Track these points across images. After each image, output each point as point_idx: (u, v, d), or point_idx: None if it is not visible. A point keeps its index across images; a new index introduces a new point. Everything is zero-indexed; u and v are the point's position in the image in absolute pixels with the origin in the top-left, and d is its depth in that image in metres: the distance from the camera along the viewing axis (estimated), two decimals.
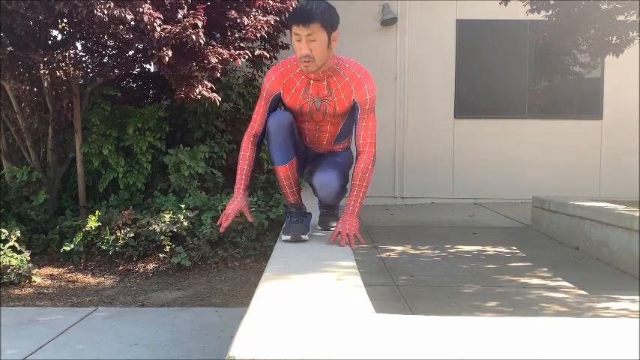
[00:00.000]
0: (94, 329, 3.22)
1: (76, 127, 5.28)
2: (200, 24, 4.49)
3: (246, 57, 5.06)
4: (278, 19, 5.27)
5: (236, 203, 2.60)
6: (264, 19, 5.01)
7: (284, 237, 2.62)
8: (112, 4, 4.16)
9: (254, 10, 5.00)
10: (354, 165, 2.61)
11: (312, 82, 2.53)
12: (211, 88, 5.09)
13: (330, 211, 2.93)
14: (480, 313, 3.01)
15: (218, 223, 2.59)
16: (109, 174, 5.36)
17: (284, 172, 2.60)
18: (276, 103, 2.64)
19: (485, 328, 1.43)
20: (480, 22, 7.35)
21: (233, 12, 4.86)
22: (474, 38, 7.42)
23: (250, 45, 5.24)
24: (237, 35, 5.04)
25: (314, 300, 1.62)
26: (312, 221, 2.86)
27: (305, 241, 2.57)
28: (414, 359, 1.19)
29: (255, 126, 2.65)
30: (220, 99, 5.22)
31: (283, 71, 2.57)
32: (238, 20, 4.85)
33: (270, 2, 5.08)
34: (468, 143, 7.46)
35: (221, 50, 4.82)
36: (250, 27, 4.92)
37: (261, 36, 5.11)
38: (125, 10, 4.20)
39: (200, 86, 4.91)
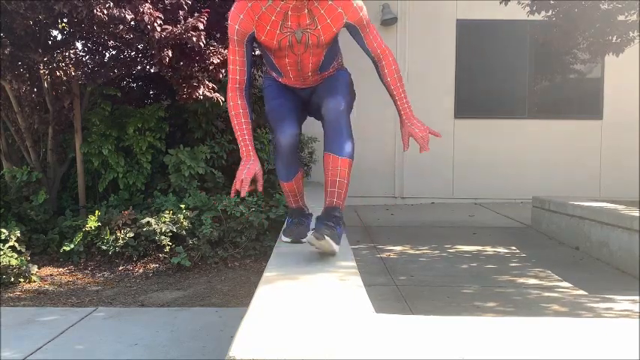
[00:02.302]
0: (93, 329, 3.22)
1: (76, 127, 5.28)
2: (202, 26, 4.49)
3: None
4: None
5: (250, 167, 2.27)
6: None
7: (284, 238, 2.55)
8: (112, 3, 4.16)
9: None
10: (380, 76, 2.40)
11: (289, 13, 2.22)
12: (213, 88, 5.09)
13: (330, 215, 2.32)
14: (480, 313, 3.01)
15: (233, 192, 2.25)
16: (109, 174, 5.36)
17: (289, 186, 2.51)
18: (251, 45, 2.34)
19: (485, 328, 1.43)
20: (480, 22, 7.35)
21: None
22: (474, 38, 7.41)
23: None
24: None
25: (314, 300, 1.62)
26: (313, 223, 2.70)
27: (305, 242, 2.45)
28: (414, 359, 1.19)
29: (236, 78, 2.33)
30: (223, 99, 5.22)
31: (252, 6, 2.23)
32: None
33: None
34: (468, 143, 7.46)
35: (222, 51, 4.82)
36: None
37: None
38: (125, 10, 4.20)
39: (202, 87, 4.92)
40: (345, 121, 2.34)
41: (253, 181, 2.33)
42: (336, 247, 2.22)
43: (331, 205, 2.32)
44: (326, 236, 2.14)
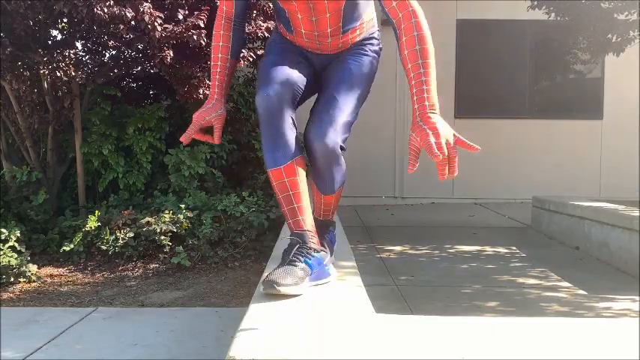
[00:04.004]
0: (93, 329, 3.21)
1: (76, 127, 5.28)
2: (202, 24, 4.50)
3: (251, 59, 5.08)
4: None
5: (204, 110, 1.88)
6: (265, 25, 5.03)
7: (261, 289, 1.72)
8: (112, 2, 4.16)
9: (254, 13, 5.01)
10: (397, 39, 1.71)
11: None
12: None
13: (322, 229, 1.95)
14: (480, 313, 3.01)
15: (183, 138, 1.89)
16: (109, 174, 5.36)
17: (278, 177, 1.81)
18: None
19: (485, 328, 1.43)
20: (480, 22, 7.35)
21: None
22: (474, 38, 7.41)
23: (251, 46, 5.25)
24: None
25: (314, 300, 1.62)
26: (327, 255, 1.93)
27: (294, 295, 1.68)
28: (414, 359, 1.19)
29: (224, 7, 1.93)
30: None
31: None
32: None
33: (271, 5, 5.10)
34: None
35: None
36: (251, 31, 4.95)
37: (262, 34, 5.12)
38: (125, 8, 4.20)
39: (203, 87, 4.92)
40: (336, 161, 1.83)
41: (209, 130, 1.93)
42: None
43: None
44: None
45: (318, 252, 1.79)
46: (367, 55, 1.97)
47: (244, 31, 1.99)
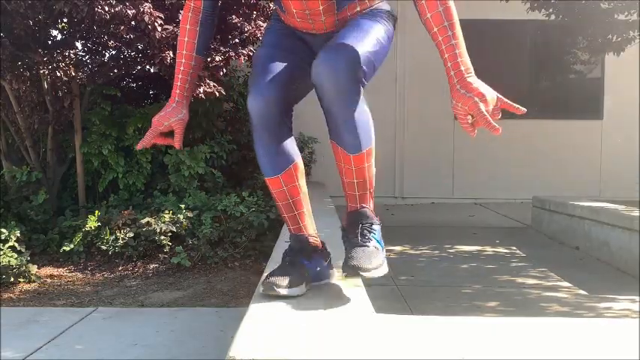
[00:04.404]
0: (93, 329, 3.21)
1: (76, 127, 5.28)
2: None
3: (250, 55, 5.09)
4: None
5: (162, 115, 1.75)
6: (265, 24, 5.03)
7: (261, 289, 1.68)
8: (113, 1, 4.17)
9: (255, 13, 5.02)
10: (416, 8, 1.55)
11: None
12: (214, 86, 5.10)
13: (354, 224, 1.68)
14: (480, 313, 3.01)
15: (140, 145, 1.79)
16: (109, 174, 5.36)
17: (276, 186, 1.71)
18: None
19: (485, 328, 1.43)
20: (480, 22, 7.35)
21: (234, 16, 4.90)
22: (474, 38, 7.39)
23: (251, 47, 5.27)
24: (237, 40, 5.07)
25: (314, 300, 1.62)
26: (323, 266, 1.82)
27: (292, 296, 1.63)
28: (414, 359, 1.19)
29: (192, 1, 1.77)
30: (224, 92, 5.20)
31: None
32: (239, 25, 4.89)
33: (272, 6, 5.10)
34: (468, 143, 7.45)
35: (222, 49, 4.84)
36: (251, 33, 4.96)
37: (261, 34, 5.13)
38: (126, 7, 4.20)
39: (203, 85, 4.93)
40: (353, 97, 1.54)
41: (169, 133, 1.77)
42: (375, 270, 1.55)
43: (354, 210, 1.69)
44: (358, 265, 1.52)
45: (317, 252, 1.76)
46: (375, 15, 1.71)
47: (213, 28, 1.82)
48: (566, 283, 3.66)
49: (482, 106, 1.42)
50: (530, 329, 1.40)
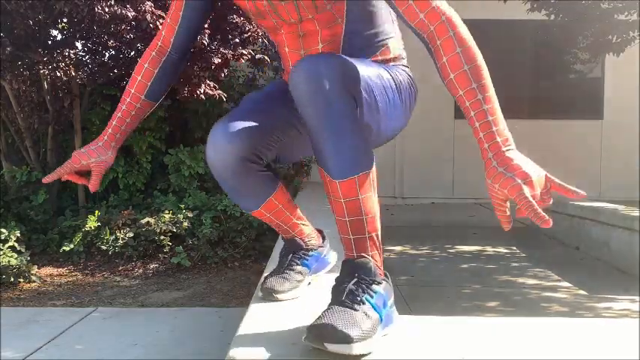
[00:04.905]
0: (93, 329, 3.21)
1: (76, 127, 5.28)
2: (205, 25, 4.52)
3: (249, 56, 5.10)
4: None
5: (82, 152, 1.53)
6: None
7: (259, 293, 1.64)
8: (113, 1, 4.17)
9: None
10: (434, 60, 1.25)
11: None
12: (214, 87, 5.11)
13: (346, 277, 1.26)
14: (480, 313, 3.01)
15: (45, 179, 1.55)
16: (109, 174, 5.37)
17: (260, 216, 1.57)
18: None
19: (485, 328, 1.43)
20: (480, 22, 7.35)
21: (235, 16, 4.90)
22: (474, 38, 7.40)
23: (252, 47, 5.27)
24: (237, 40, 5.07)
25: (314, 300, 1.62)
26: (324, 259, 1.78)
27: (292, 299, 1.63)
28: (414, 359, 1.19)
29: (162, 34, 1.57)
30: (225, 95, 5.22)
31: None
32: (240, 25, 4.90)
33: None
34: (468, 143, 7.45)
35: (224, 50, 4.84)
36: (252, 32, 4.97)
37: (262, 34, 5.13)
38: (126, 8, 4.20)
39: (204, 85, 4.93)
40: (331, 97, 1.18)
41: (86, 173, 1.58)
42: (350, 346, 1.10)
43: (349, 258, 1.28)
44: (326, 342, 1.11)
45: (314, 247, 1.70)
46: (389, 67, 1.45)
47: (174, 76, 1.59)
48: (566, 283, 3.66)
49: (526, 190, 1.10)
50: (530, 329, 1.40)
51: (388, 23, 1.47)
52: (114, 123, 1.56)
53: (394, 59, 1.49)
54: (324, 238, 1.78)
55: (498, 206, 1.15)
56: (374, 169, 1.28)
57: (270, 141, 1.43)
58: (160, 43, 1.57)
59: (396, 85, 1.41)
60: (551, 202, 1.14)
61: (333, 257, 1.83)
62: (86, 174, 1.58)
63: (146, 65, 1.56)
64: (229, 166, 1.39)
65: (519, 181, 1.11)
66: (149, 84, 1.56)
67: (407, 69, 1.52)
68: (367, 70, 1.30)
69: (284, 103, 1.47)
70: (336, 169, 1.23)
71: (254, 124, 1.39)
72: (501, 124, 1.21)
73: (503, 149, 1.17)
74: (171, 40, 1.56)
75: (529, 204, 1.07)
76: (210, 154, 1.39)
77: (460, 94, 1.22)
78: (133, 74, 1.57)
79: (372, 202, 1.29)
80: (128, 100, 1.56)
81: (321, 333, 1.11)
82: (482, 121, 1.20)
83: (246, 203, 1.51)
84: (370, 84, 1.29)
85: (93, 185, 1.54)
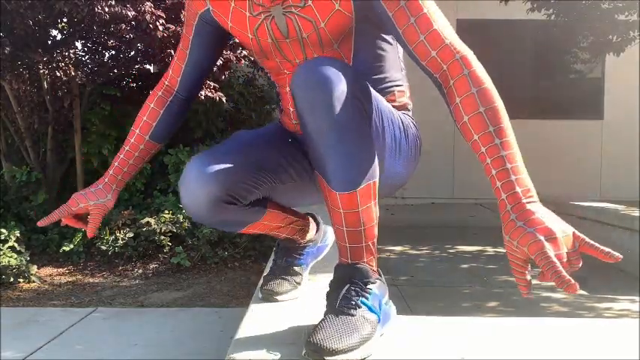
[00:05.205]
0: (93, 329, 3.21)
1: (76, 127, 5.28)
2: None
3: (252, 58, 5.11)
4: None
5: (81, 194, 1.48)
6: None
7: (259, 295, 1.63)
8: (113, 1, 4.17)
9: None
10: (447, 103, 1.17)
11: None
12: (215, 88, 5.10)
13: (341, 282, 1.23)
14: (480, 313, 3.01)
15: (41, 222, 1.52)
16: None
17: (251, 230, 1.47)
18: (216, 31, 1.44)
19: (485, 328, 1.42)
20: (480, 22, 7.35)
21: None
22: (474, 38, 7.40)
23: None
24: (237, 40, 5.08)
25: (314, 300, 1.62)
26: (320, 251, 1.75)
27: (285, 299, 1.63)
28: (414, 359, 1.19)
29: (169, 73, 1.51)
30: (225, 98, 5.22)
31: None
32: None
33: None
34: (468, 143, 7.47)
35: (225, 52, 4.84)
36: None
37: None
38: (126, 8, 4.20)
39: (204, 88, 4.93)
40: (334, 101, 1.09)
41: (84, 216, 1.51)
42: (347, 354, 1.10)
43: (343, 264, 1.24)
44: (320, 344, 1.09)
45: (309, 244, 1.67)
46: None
47: (180, 117, 1.53)
48: None
49: (549, 248, 0.94)
50: (530, 329, 1.40)
51: (396, 70, 1.44)
52: (116, 164, 1.50)
53: (400, 107, 1.44)
54: (318, 223, 1.70)
55: (517, 267, 1.00)
56: (377, 179, 1.21)
57: (251, 183, 1.31)
58: (167, 83, 1.52)
59: (403, 126, 1.36)
60: (579, 266, 0.95)
61: (330, 237, 1.76)
62: (84, 217, 1.52)
63: (152, 105, 1.51)
64: (203, 207, 1.28)
65: (541, 237, 0.95)
66: (154, 125, 1.50)
67: (414, 120, 1.47)
68: (378, 96, 1.25)
69: (274, 146, 1.39)
70: (337, 181, 1.15)
71: (230, 165, 1.27)
72: (522, 173, 1.04)
73: (524, 201, 1.01)
74: (178, 79, 1.50)
75: (552, 265, 0.91)
76: (183, 194, 1.29)
77: (475, 138, 1.09)
78: (138, 114, 1.52)
79: (371, 211, 1.22)
80: (132, 140, 1.51)
81: (320, 348, 1.08)
82: (500, 168, 1.04)
83: (232, 229, 1.40)
84: (381, 108, 1.23)
85: (90, 230, 1.48)
